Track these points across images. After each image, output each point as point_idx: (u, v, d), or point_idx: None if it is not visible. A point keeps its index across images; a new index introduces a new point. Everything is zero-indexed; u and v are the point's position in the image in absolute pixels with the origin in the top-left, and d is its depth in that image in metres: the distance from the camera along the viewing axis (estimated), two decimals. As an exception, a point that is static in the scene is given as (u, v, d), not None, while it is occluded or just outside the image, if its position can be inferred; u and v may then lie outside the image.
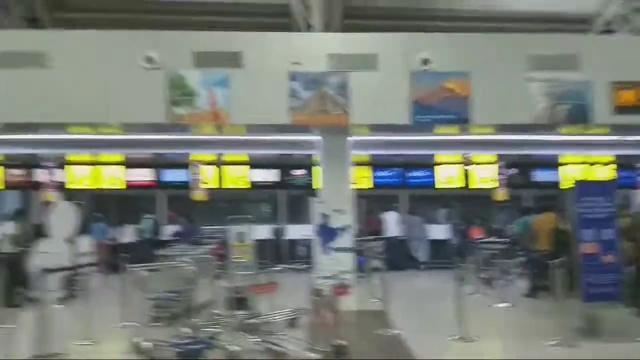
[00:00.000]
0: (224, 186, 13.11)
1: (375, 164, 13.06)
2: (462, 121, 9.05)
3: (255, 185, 13.31)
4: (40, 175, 12.63)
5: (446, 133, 10.38)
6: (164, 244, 10.75)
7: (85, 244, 6.79)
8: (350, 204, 9.36)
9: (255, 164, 13.21)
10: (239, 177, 13.25)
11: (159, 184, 13.43)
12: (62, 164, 12.71)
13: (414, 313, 7.77)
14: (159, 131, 10.52)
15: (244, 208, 17.26)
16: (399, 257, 11.87)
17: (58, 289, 5.60)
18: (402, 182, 13.16)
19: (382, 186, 13.16)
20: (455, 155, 12.81)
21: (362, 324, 6.89)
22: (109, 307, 7.01)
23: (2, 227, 8.82)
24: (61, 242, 5.66)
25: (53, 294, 5.52)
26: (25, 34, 9.87)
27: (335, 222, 9.14)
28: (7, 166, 13.11)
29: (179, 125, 9.20)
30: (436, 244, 12.82)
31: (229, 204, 17.40)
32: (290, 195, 14.31)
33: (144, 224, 12.06)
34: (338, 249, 9.03)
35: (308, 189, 13.36)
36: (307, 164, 12.88)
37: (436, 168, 12.98)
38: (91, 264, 6.45)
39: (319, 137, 10.17)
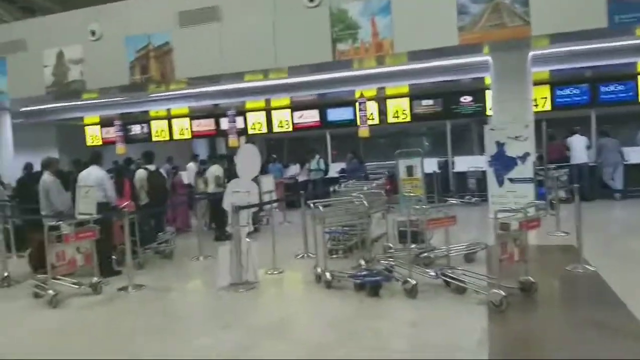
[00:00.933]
0: (387, 121, 12.95)
1: (557, 82, 11.47)
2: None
3: (418, 117, 12.85)
4: (224, 123, 13.98)
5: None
6: (334, 181, 11.13)
7: (268, 182, 7.31)
8: (529, 129, 8.38)
9: (418, 94, 12.69)
10: (402, 110, 12.91)
11: (324, 124, 13.83)
12: (241, 111, 13.86)
13: (612, 248, 6.80)
14: (321, 71, 10.67)
15: (409, 142, 17.02)
16: (588, 186, 10.49)
17: (248, 224, 6.13)
18: (591, 100, 11.39)
19: (566, 106, 11.57)
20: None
21: (550, 260, 6.29)
22: (290, 240, 7.57)
23: (204, 170, 9.93)
24: (249, 182, 6.12)
25: (244, 229, 6.09)
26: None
27: (512, 151, 8.33)
28: (193, 117, 14.82)
29: (340, 62, 9.16)
30: (635, 170, 10.97)
31: (393, 139, 17.29)
32: (457, 124, 13.52)
33: (314, 162, 12.62)
34: (516, 180, 8.27)
35: (477, 117, 12.46)
36: (475, 89, 11.93)
37: (638, 78, 10.90)
38: (274, 201, 6.98)
39: (488, 57, 9.23)
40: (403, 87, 12.54)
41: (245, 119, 14.08)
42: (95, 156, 7.02)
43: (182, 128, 15.03)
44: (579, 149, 11.00)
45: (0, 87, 11.30)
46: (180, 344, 4.33)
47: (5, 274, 6.62)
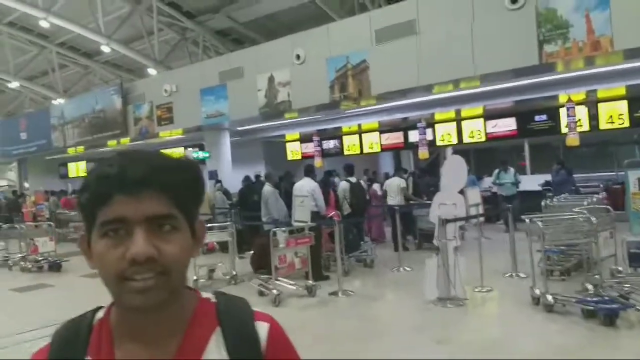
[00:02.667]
0: (599, 127, 11.49)
1: None
2: None
3: (637, 122, 11.11)
4: (412, 135, 14.03)
5: None
6: (540, 194, 10.25)
7: (474, 195, 7.07)
8: None
9: (637, 97, 10.99)
10: (617, 114, 11.33)
11: (522, 133, 12.87)
12: (429, 123, 13.73)
13: None
14: (519, 76, 9.96)
15: (618, 151, 14.85)
16: None
17: (455, 238, 5.97)
18: None
19: None
20: None
21: None
22: (492, 257, 7.16)
23: (393, 183, 10.15)
24: (455, 194, 5.99)
25: (450, 243, 5.94)
26: (394, 8, 10.83)
27: None
28: (382, 131, 15.16)
29: (543, 66, 8.44)
30: None
31: (599, 148, 15.28)
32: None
33: (507, 175, 11.81)
34: None
35: None
36: None
37: None
38: (479, 215, 6.71)
39: None
40: (618, 88, 11.01)
41: (434, 131, 13.90)
42: (308, 169, 7.66)
43: (372, 142, 15.50)
44: None
45: (222, 109, 13.15)
46: (395, 352, 4.39)
47: (234, 273, 7.58)
